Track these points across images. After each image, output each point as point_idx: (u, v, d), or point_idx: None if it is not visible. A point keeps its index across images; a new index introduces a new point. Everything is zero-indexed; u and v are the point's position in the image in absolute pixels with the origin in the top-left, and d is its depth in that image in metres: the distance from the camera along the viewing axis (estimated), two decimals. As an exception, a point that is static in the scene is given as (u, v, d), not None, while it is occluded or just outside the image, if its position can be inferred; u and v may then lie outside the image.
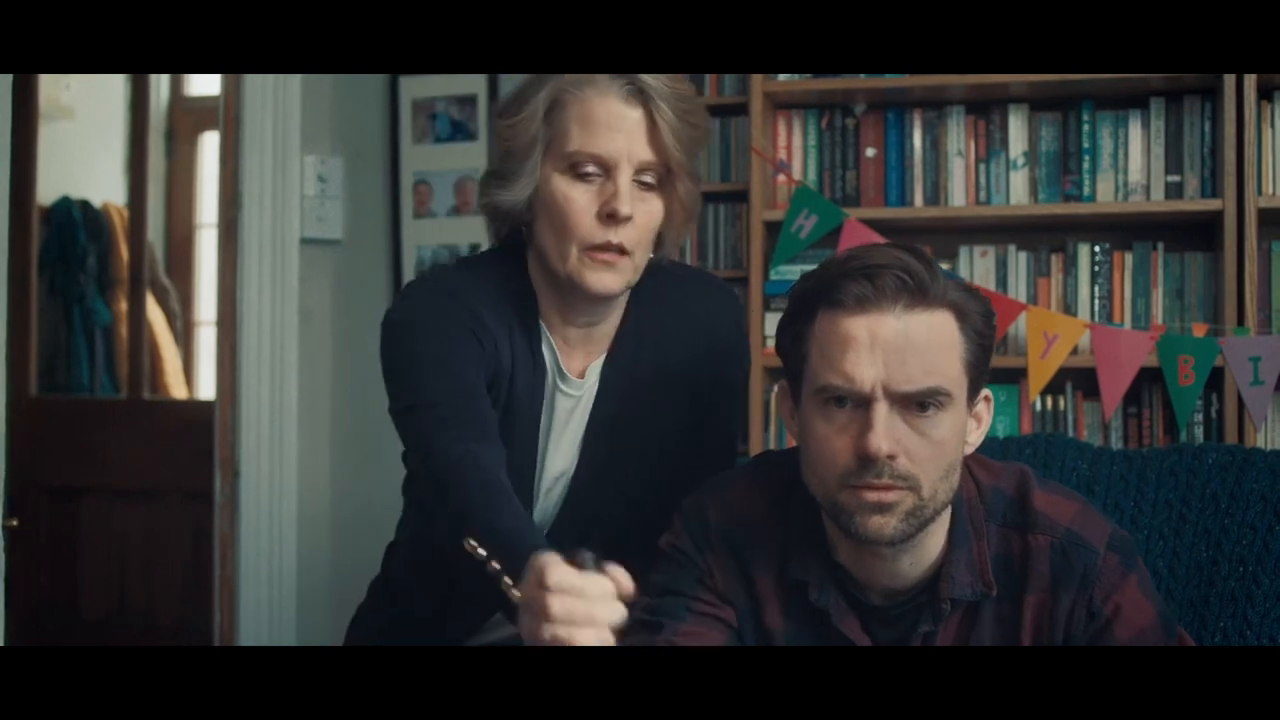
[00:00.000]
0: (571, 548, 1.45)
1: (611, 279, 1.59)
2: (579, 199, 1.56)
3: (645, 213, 1.58)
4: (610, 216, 1.55)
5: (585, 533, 1.68)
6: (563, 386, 1.69)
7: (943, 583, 1.46)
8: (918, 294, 1.38)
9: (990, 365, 1.49)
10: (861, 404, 1.38)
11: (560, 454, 1.73)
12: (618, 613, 1.27)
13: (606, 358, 1.70)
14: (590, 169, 1.56)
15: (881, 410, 1.37)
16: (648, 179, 1.58)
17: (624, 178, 1.56)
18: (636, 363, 1.70)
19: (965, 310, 1.42)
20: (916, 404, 1.38)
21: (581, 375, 1.70)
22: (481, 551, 1.43)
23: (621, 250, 1.57)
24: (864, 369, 1.37)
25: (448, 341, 1.61)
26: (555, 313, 1.67)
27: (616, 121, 1.56)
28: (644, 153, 1.57)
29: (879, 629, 1.50)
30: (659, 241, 1.65)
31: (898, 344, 1.37)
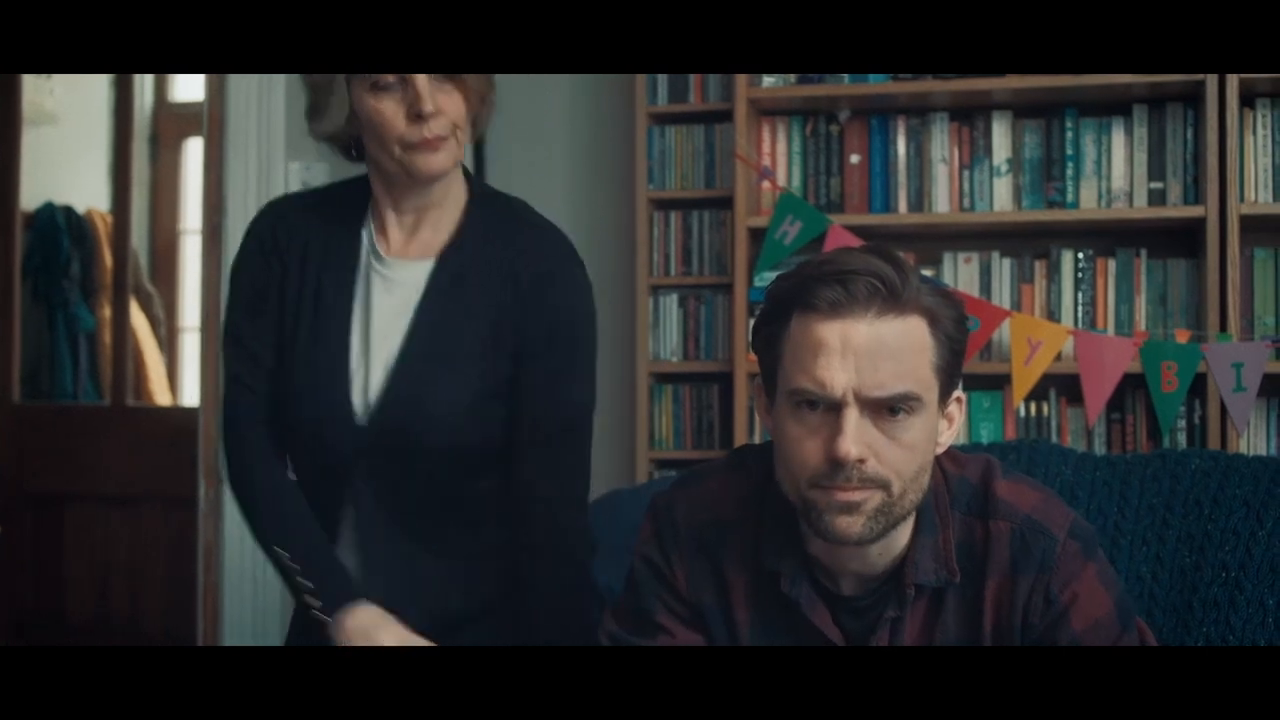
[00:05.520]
0: (392, 439, 1.79)
1: (438, 159, 1.78)
2: (387, 108, 1.76)
3: (448, 103, 1.77)
4: (418, 116, 1.75)
5: (405, 422, 1.80)
6: (377, 265, 1.86)
7: (908, 569, 1.49)
8: (890, 300, 1.40)
9: (963, 366, 1.51)
10: (833, 408, 1.40)
11: (384, 342, 1.84)
12: None
13: (437, 260, 1.85)
14: (389, 79, 1.74)
15: (852, 415, 1.39)
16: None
17: (420, 78, 1.74)
18: (461, 276, 1.85)
19: (937, 315, 1.44)
20: (888, 409, 1.40)
21: (403, 257, 1.86)
22: (295, 565, 1.78)
23: (439, 137, 1.77)
24: (836, 374, 1.39)
25: (245, 278, 1.89)
26: (389, 201, 1.87)
27: None
28: None
29: (848, 619, 1.52)
30: (473, 122, 1.84)
31: (869, 349, 1.39)
